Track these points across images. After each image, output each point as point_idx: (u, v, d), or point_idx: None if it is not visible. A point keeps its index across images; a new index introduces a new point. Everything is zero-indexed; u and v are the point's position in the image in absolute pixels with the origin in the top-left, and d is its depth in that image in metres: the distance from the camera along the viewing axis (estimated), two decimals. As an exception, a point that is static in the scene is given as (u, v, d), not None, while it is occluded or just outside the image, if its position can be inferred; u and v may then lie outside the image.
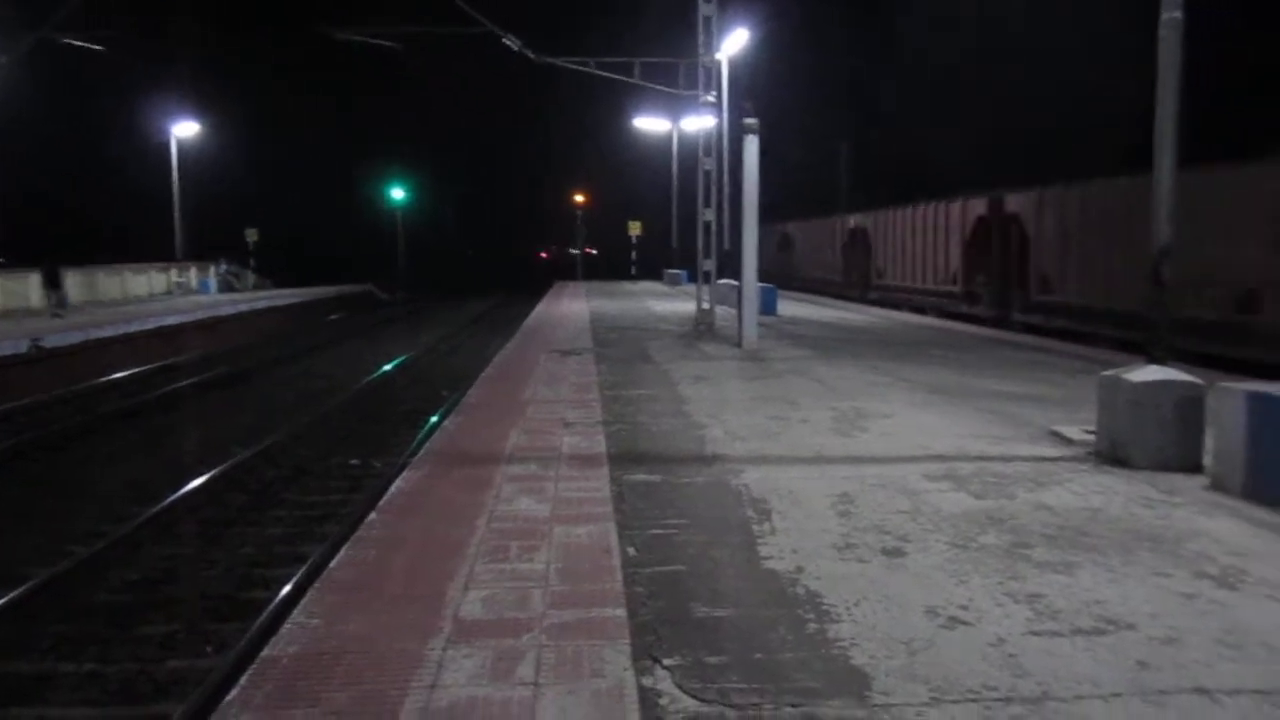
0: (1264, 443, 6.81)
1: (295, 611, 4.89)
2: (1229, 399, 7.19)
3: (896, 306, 30.44)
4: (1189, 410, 7.80)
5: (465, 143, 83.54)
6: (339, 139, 70.56)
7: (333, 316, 41.32)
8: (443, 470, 7.98)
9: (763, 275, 18.35)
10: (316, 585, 5.26)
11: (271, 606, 7.60)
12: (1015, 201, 25.06)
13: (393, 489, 7.42)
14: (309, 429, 14.92)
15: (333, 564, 5.64)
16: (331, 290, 47.26)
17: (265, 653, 4.42)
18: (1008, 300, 25.20)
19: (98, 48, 28.19)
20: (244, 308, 33.83)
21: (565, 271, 62.18)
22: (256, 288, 47.59)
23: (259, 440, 13.71)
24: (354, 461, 13.15)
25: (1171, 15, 7.94)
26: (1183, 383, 7.83)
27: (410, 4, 23.09)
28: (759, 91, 21.15)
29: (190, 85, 46.07)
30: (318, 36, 23.30)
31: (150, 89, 44.86)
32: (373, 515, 6.64)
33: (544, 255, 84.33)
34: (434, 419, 15.15)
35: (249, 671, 4.24)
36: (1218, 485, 7.21)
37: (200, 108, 44.42)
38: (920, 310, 28.69)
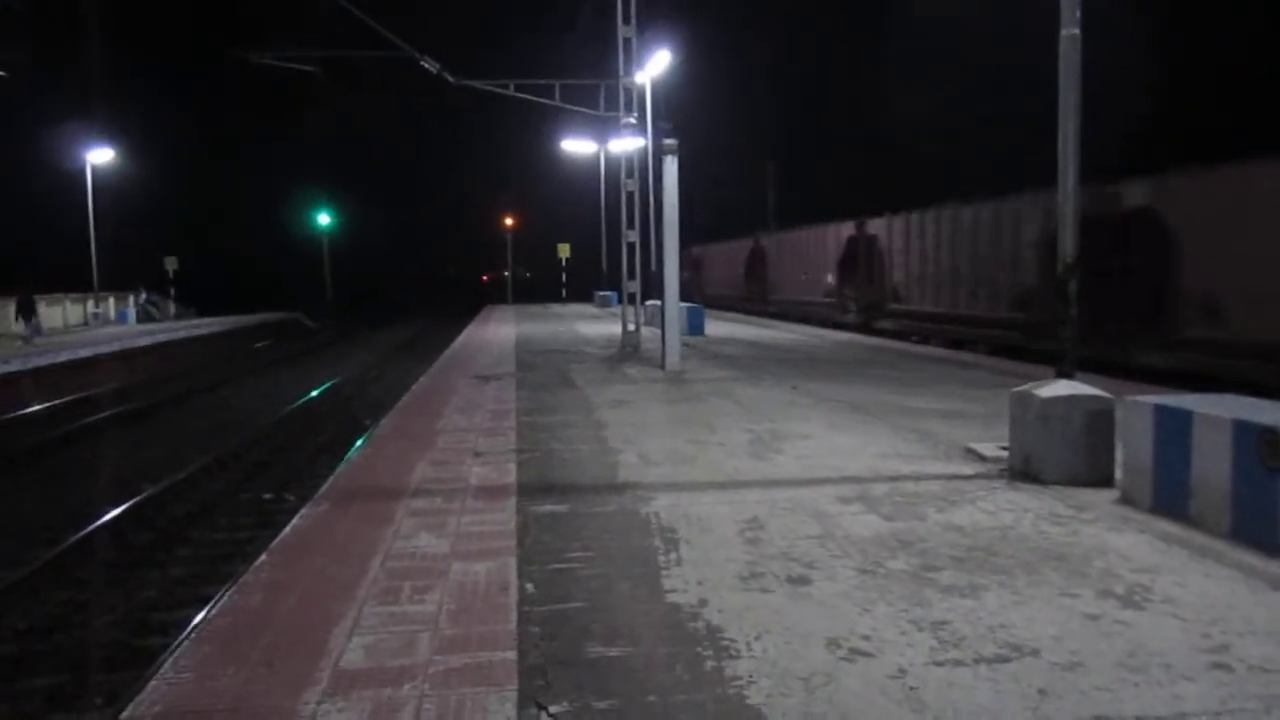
0: (1170, 456, 6.79)
1: (165, 665, 4.60)
2: (1137, 412, 7.18)
3: (787, 317, 34.17)
4: (1098, 424, 7.78)
5: (390, 167, 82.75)
6: (262, 165, 69.51)
7: (256, 345, 40.39)
8: (343, 506, 7.68)
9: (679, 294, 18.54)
10: (192, 636, 4.97)
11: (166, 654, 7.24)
12: (874, 225, 29.00)
13: (289, 527, 7.11)
14: (222, 462, 14.45)
15: (213, 612, 5.34)
16: (256, 319, 46.26)
17: (126, 714, 4.13)
18: (870, 309, 28.82)
19: (1, 73, 27.35)
20: (163, 338, 32.89)
21: (501, 294, 61.77)
22: (178, 317, 46.51)
23: (169, 475, 13.23)
24: (267, 496, 12.74)
25: (1070, 32, 7.97)
26: (1091, 397, 7.81)
27: (326, 27, 22.76)
28: (682, 112, 21.16)
29: (104, 110, 45.04)
30: (234, 61, 22.81)
31: (62, 114, 43.77)
32: (263, 557, 6.33)
33: (485, 278, 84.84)
34: (358, 445, 14.75)
35: (107, 735, 3.96)
36: (1127, 499, 7.19)
37: (116, 135, 43.44)
38: (806, 320, 32.17)
